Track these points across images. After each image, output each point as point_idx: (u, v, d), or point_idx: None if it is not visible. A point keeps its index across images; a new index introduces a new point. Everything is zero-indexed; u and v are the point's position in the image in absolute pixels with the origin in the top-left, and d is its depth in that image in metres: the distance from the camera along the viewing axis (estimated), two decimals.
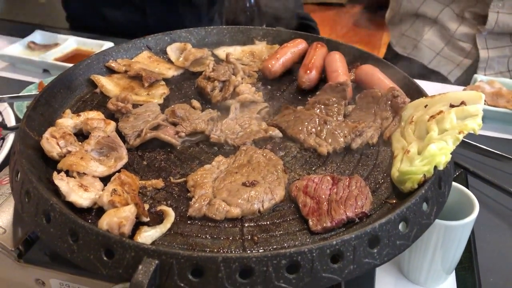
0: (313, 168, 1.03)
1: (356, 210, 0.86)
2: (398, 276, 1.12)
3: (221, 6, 2.22)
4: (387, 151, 1.06)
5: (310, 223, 0.85)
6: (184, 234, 0.85)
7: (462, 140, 1.45)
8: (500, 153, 1.43)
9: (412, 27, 2.27)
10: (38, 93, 1.15)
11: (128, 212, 0.82)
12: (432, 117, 0.98)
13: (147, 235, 0.82)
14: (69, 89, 1.22)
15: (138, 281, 0.70)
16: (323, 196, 0.90)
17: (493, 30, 2.03)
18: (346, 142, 1.07)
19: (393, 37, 2.41)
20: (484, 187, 1.37)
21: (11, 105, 1.58)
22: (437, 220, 0.96)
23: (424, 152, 0.91)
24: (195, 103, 1.22)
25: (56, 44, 2.00)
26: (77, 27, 2.33)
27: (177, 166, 1.03)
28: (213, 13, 2.32)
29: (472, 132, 0.92)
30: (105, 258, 0.76)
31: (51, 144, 0.97)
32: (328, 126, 1.10)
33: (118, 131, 1.08)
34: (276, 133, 1.11)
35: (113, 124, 1.09)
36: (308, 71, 1.27)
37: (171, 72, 1.34)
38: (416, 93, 1.16)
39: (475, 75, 1.84)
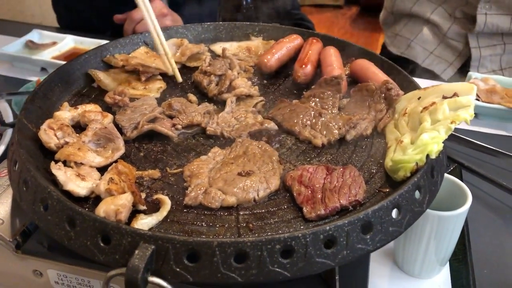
0: (308, 159, 1.04)
1: (349, 198, 0.88)
2: (393, 267, 1.13)
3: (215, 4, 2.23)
4: (381, 143, 1.07)
5: (305, 210, 0.87)
6: (180, 222, 0.86)
7: (457, 136, 1.50)
8: (494, 148, 1.45)
9: (405, 27, 2.29)
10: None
11: (125, 200, 0.83)
12: (425, 108, 1.00)
13: (144, 223, 0.83)
14: (67, 83, 1.23)
15: (135, 265, 0.71)
16: (317, 185, 0.91)
17: (483, 31, 2.05)
18: (341, 134, 1.08)
19: (387, 37, 2.43)
20: (478, 181, 1.38)
21: (9, 102, 1.60)
22: (430, 211, 0.98)
23: (417, 141, 0.92)
24: (192, 97, 1.24)
25: (54, 43, 2.01)
26: (68, 28, 2.34)
27: (174, 157, 1.04)
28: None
29: (464, 122, 0.93)
30: (102, 244, 0.77)
31: (48, 135, 0.99)
32: (323, 119, 1.11)
33: (115, 124, 1.09)
34: (272, 125, 1.13)
35: (110, 116, 1.10)
36: (304, 66, 1.29)
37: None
38: (409, 86, 1.18)
39: (470, 73, 1.86)
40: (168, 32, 1.47)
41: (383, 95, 1.13)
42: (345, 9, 6.08)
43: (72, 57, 1.91)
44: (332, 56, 1.30)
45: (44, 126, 1.00)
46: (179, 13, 2.05)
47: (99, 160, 0.97)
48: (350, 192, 0.89)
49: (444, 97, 1.01)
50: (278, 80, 1.35)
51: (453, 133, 1.46)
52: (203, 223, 0.86)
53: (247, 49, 1.46)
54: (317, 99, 1.18)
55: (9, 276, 1.03)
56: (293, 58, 1.37)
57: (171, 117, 1.13)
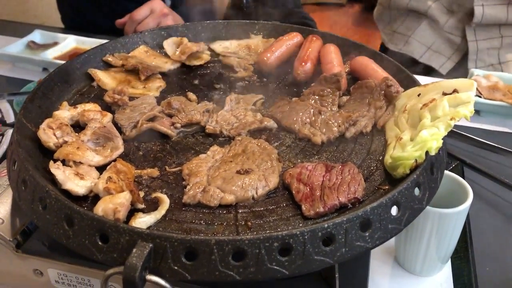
0: (308, 157, 1.03)
1: (348, 196, 0.87)
2: (394, 265, 1.13)
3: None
4: (381, 140, 1.07)
5: (303, 208, 0.86)
6: (179, 220, 0.86)
7: (459, 133, 1.49)
8: (496, 145, 1.44)
9: (403, 24, 2.28)
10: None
11: (123, 199, 0.83)
12: (425, 105, 0.99)
13: (142, 221, 0.83)
14: (67, 82, 1.23)
15: (132, 263, 0.71)
16: (316, 183, 0.91)
17: (481, 23, 2.04)
18: (340, 131, 1.08)
19: (384, 34, 2.42)
20: (480, 178, 1.38)
21: (10, 102, 1.61)
22: (431, 208, 0.97)
23: (416, 138, 0.91)
24: (191, 95, 1.24)
25: (55, 43, 2.01)
26: (72, 28, 2.35)
27: (173, 156, 1.04)
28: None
29: (464, 118, 0.92)
30: (100, 243, 0.77)
31: (47, 134, 0.99)
32: (323, 116, 1.11)
33: (114, 123, 1.09)
34: (271, 123, 1.12)
35: (109, 115, 1.10)
36: (303, 63, 1.28)
37: (167, 66, 1.36)
38: (409, 83, 1.17)
39: (472, 69, 1.85)
40: (168, 31, 1.47)
41: (383, 92, 1.12)
42: (347, 7, 6.06)
43: (74, 57, 1.93)
44: (332, 53, 1.30)
45: (43, 126, 1.00)
46: (178, 12, 2.05)
47: (98, 159, 0.97)
48: (349, 189, 0.88)
49: (444, 94, 1.00)
50: (277, 78, 1.34)
51: (455, 130, 1.46)
52: (202, 222, 0.86)
53: (247, 47, 1.46)
54: (317, 97, 1.17)
55: (9, 275, 1.03)
56: (293, 55, 1.36)
57: (170, 115, 1.12)
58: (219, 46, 1.46)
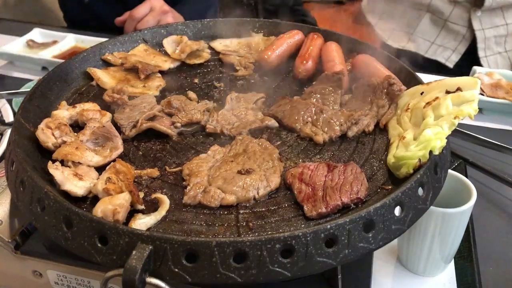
0: (309, 157, 1.02)
1: (351, 196, 0.86)
2: (397, 265, 1.12)
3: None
4: (384, 139, 1.05)
5: (305, 209, 0.85)
6: (179, 221, 0.85)
7: (461, 131, 1.48)
8: (499, 143, 1.43)
9: (401, 21, 2.27)
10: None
11: (122, 200, 0.82)
12: (428, 103, 0.98)
13: (142, 222, 0.82)
14: (65, 81, 1.22)
15: (132, 266, 0.70)
16: (318, 183, 0.90)
17: (491, 6, 2.04)
18: (342, 130, 1.06)
19: (381, 31, 2.40)
20: (483, 177, 1.37)
21: (10, 102, 1.60)
22: (434, 208, 0.96)
23: (420, 137, 0.90)
24: (191, 94, 1.22)
25: (54, 42, 2.01)
26: (75, 26, 2.34)
27: (173, 156, 1.02)
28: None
29: (468, 117, 0.91)
30: (99, 245, 0.76)
31: (46, 134, 0.97)
32: (324, 115, 1.09)
33: (113, 122, 1.08)
34: (272, 123, 1.11)
35: (108, 115, 1.09)
36: (305, 62, 1.27)
37: (167, 65, 1.34)
38: (412, 81, 1.16)
39: (474, 67, 1.84)
40: (168, 29, 1.46)
41: (385, 90, 1.11)
42: (348, 5, 6.04)
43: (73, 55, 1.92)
44: (334, 51, 1.28)
45: (41, 125, 0.99)
46: (178, 10, 2.04)
47: (97, 159, 0.96)
48: (351, 189, 0.87)
49: (448, 92, 0.99)
50: (278, 76, 1.33)
51: (457, 128, 1.43)
52: (202, 222, 0.84)
53: (248, 45, 1.45)
54: (318, 95, 1.16)
55: (8, 277, 1.02)
56: (294, 54, 1.35)
57: (170, 115, 1.11)
58: (220, 44, 1.45)
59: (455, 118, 0.90)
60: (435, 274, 1.09)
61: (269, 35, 1.49)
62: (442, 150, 0.90)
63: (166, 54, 1.39)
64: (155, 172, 0.96)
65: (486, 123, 1.65)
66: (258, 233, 0.82)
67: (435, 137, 0.88)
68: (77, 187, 0.87)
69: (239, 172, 0.93)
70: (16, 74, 1.89)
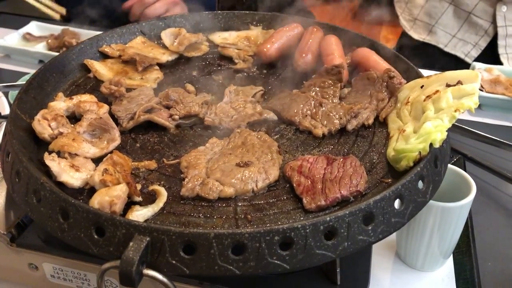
0: (309, 150, 1.01)
1: (350, 189, 0.85)
2: (395, 260, 1.11)
3: None
4: (383, 132, 1.05)
5: (304, 201, 0.84)
6: (177, 213, 0.84)
7: (460, 127, 1.47)
8: (498, 139, 1.43)
9: (423, 10, 2.25)
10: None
11: (119, 191, 0.81)
12: (428, 97, 0.97)
13: (139, 214, 0.81)
14: (62, 73, 1.21)
15: (129, 258, 0.69)
16: (318, 176, 0.89)
17: None
18: (342, 123, 1.06)
19: (405, 20, 2.38)
20: (481, 173, 1.37)
21: (6, 95, 1.58)
22: (434, 202, 0.96)
23: (420, 130, 0.89)
24: (190, 87, 1.21)
25: (51, 35, 1.99)
26: (77, 16, 2.31)
27: (171, 148, 1.01)
28: None
29: (469, 110, 0.90)
30: (95, 236, 0.75)
31: (42, 125, 0.96)
32: (324, 108, 1.08)
33: (111, 114, 1.07)
34: (271, 115, 1.10)
35: (106, 107, 1.08)
36: (304, 55, 1.26)
37: (165, 57, 1.33)
38: (412, 74, 1.15)
39: (473, 63, 1.83)
40: (166, 21, 1.44)
41: (385, 83, 1.10)
42: (347, 1, 6.03)
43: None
44: (333, 45, 1.27)
45: (38, 117, 0.98)
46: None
47: (94, 151, 0.95)
48: (351, 182, 0.86)
49: (448, 85, 0.98)
50: (277, 70, 1.32)
51: (456, 123, 1.43)
52: (200, 215, 0.84)
53: (247, 38, 1.44)
54: (318, 89, 1.15)
55: (4, 269, 1.02)
56: (293, 47, 1.34)
57: (168, 107, 1.10)
58: (218, 37, 1.43)
59: (455, 111, 0.89)
60: (433, 269, 1.09)
61: (268, 28, 1.48)
62: (442, 143, 0.89)
63: (164, 46, 1.38)
64: (152, 164, 0.95)
65: (485, 118, 1.64)
66: (257, 225, 0.81)
67: (436, 130, 0.88)
68: (74, 179, 0.86)
69: (238, 164, 0.92)
70: (13, 67, 1.88)
